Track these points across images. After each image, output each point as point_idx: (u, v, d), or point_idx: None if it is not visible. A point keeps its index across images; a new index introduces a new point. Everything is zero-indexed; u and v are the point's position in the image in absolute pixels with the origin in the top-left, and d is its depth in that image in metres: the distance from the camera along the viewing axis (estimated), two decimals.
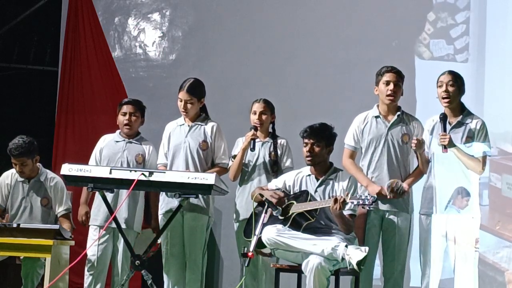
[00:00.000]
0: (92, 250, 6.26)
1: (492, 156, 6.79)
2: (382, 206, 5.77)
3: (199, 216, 6.07)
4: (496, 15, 7.28)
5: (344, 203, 5.28)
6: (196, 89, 6.18)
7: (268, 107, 6.24)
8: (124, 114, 6.38)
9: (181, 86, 6.17)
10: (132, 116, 6.37)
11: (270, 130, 6.28)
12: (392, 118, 5.90)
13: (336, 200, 5.29)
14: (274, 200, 5.55)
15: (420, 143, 5.67)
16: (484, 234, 6.72)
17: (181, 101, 6.16)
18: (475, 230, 5.69)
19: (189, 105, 6.15)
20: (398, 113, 5.90)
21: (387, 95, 5.84)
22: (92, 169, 5.52)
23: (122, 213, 6.21)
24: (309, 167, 5.71)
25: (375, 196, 5.41)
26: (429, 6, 7.57)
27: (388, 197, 5.71)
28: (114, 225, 5.89)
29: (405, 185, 5.75)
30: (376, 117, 5.93)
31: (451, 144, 5.60)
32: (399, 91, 5.88)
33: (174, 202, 6.01)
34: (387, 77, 5.85)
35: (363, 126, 5.94)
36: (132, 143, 6.39)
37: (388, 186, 5.70)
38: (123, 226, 6.13)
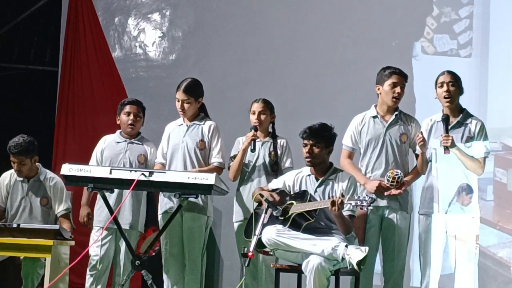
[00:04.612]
0: (94, 250, 6.26)
1: (497, 151, 6.80)
2: (381, 203, 5.77)
3: (197, 216, 6.06)
4: (499, 10, 7.25)
5: (342, 204, 5.28)
6: (193, 89, 6.17)
7: (267, 106, 6.23)
8: (128, 114, 6.37)
9: (178, 86, 6.16)
10: (137, 117, 6.38)
11: (270, 129, 6.28)
12: (390, 118, 5.91)
13: (334, 202, 5.29)
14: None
15: (425, 140, 5.69)
16: (488, 229, 6.73)
17: (178, 101, 6.15)
18: (476, 228, 5.70)
19: (186, 105, 6.14)
20: (396, 113, 5.92)
21: (393, 97, 5.86)
22: (92, 169, 5.51)
23: (125, 213, 6.22)
24: (309, 167, 5.71)
25: (373, 197, 5.41)
26: (429, 7, 7.56)
27: (390, 190, 5.69)
28: (116, 225, 5.89)
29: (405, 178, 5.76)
30: (374, 117, 5.94)
31: (453, 145, 5.61)
32: (403, 94, 5.92)
33: (173, 202, 6.02)
34: (394, 79, 5.87)
35: (361, 127, 5.96)
36: (134, 144, 6.39)
37: (388, 176, 5.69)
38: (127, 226, 6.15)
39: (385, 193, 5.74)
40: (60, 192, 6.48)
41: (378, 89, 5.93)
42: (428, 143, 5.78)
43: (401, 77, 5.90)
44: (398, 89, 5.87)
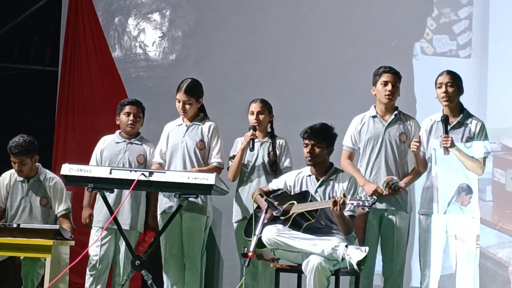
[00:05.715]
0: (94, 250, 6.27)
1: (496, 152, 6.80)
2: (380, 205, 5.78)
3: (197, 216, 6.06)
4: (499, 10, 7.26)
5: (343, 204, 5.29)
6: (194, 90, 6.16)
7: (266, 106, 6.23)
8: (128, 114, 6.37)
9: (179, 87, 6.16)
10: (136, 117, 6.38)
11: (269, 129, 6.28)
12: (389, 118, 5.92)
13: (335, 202, 5.29)
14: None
15: (419, 148, 5.71)
16: (488, 229, 6.73)
17: (179, 102, 6.15)
18: (476, 229, 5.70)
19: (187, 106, 6.14)
20: (395, 112, 5.93)
21: (386, 95, 5.87)
22: (92, 169, 5.51)
23: (125, 213, 6.22)
24: (309, 167, 5.71)
25: (375, 197, 5.42)
26: (429, 8, 7.56)
27: (384, 193, 5.72)
28: (116, 226, 5.89)
29: (401, 182, 5.77)
30: (373, 117, 5.95)
31: (452, 145, 5.61)
32: (397, 91, 5.93)
33: (172, 202, 6.02)
34: (385, 77, 5.88)
35: (361, 127, 5.97)
36: (133, 144, 6.39)
37: (384, 182, 5.72)
38: (126, 227, 6.15)
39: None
40: (60, 192, 6.48)
41: (373, 90, 5.95)
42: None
43: (393, 75, 5.89)
44: (389, 87, 5.87)
